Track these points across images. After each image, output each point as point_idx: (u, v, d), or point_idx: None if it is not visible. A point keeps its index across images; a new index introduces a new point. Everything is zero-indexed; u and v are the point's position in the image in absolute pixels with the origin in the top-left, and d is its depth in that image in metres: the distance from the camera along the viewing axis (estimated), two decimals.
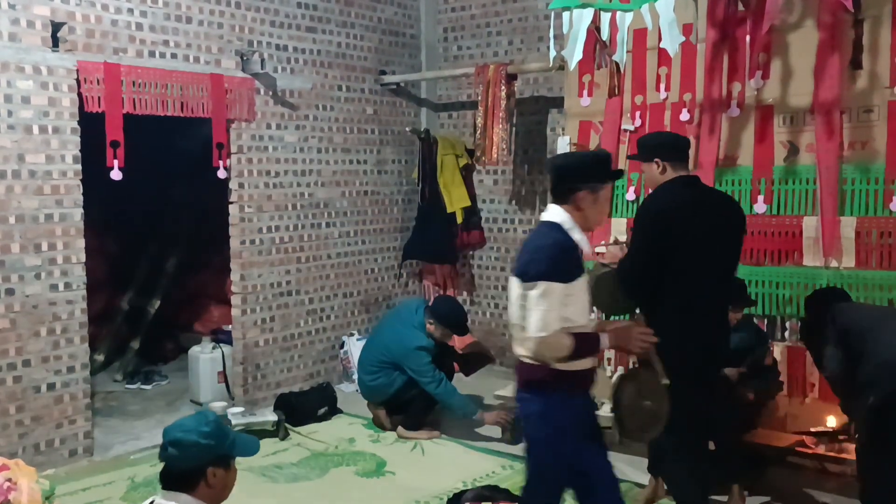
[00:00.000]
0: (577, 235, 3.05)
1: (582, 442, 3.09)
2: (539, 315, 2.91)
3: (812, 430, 4.49)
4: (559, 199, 3.08)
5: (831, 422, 4.43)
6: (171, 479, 2.41)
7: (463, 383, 5.80)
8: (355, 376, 6.05)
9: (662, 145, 3.79)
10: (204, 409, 2.86)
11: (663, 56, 4.97)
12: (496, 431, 5.39)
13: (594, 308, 4.17)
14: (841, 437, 4.35)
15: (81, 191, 4.95)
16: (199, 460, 2.39)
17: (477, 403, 5.65)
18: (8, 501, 3.64)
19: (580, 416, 3.11)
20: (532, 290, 2.93)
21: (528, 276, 2.95)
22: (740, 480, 4.22)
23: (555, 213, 3.07)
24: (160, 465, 2.45)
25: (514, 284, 3.03)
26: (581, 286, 3.06)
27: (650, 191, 3.82)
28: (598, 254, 4.45)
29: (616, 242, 4.12)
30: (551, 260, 2.95)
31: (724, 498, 4.26)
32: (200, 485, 2.39)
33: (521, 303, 2.97)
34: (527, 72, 6.48)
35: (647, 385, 3.21)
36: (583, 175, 3.07)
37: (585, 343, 3.00)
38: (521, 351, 3.06)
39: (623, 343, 3.18)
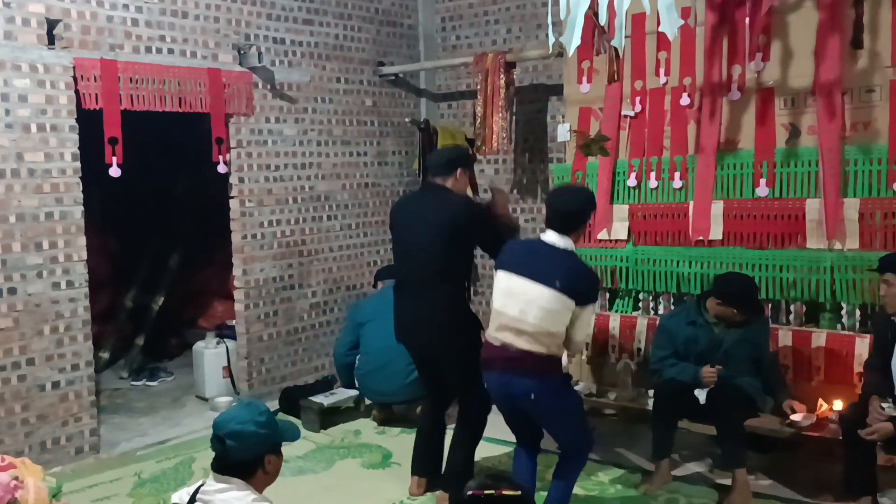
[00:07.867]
0: None
1: None
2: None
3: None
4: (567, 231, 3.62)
5: (837, 405, 4.41)
6: (226, 468, 2.49)
7: None
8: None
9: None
10: (252, 400, 2.91)
11: (662, 40, 4.94)
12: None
13: None
14: None
15: (81, 188, 4.95)
16: (257, 449, 2.49)
17: None
18: (15, 500, 3.64)
19: None
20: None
21: (588, 298, 3.58)
22: (743, 465, 4.22)
23: (566, 241, 3.61)
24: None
25: (558, 297, 3.48)
26: None
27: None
28: None
29: None
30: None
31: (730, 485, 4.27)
32: (258, 472, 2.50)
33: (571, 317, 3.52)
34: (526, 60, 6.44)
35: None
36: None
37: None
38: (554, 349, 3.57)
39: None
